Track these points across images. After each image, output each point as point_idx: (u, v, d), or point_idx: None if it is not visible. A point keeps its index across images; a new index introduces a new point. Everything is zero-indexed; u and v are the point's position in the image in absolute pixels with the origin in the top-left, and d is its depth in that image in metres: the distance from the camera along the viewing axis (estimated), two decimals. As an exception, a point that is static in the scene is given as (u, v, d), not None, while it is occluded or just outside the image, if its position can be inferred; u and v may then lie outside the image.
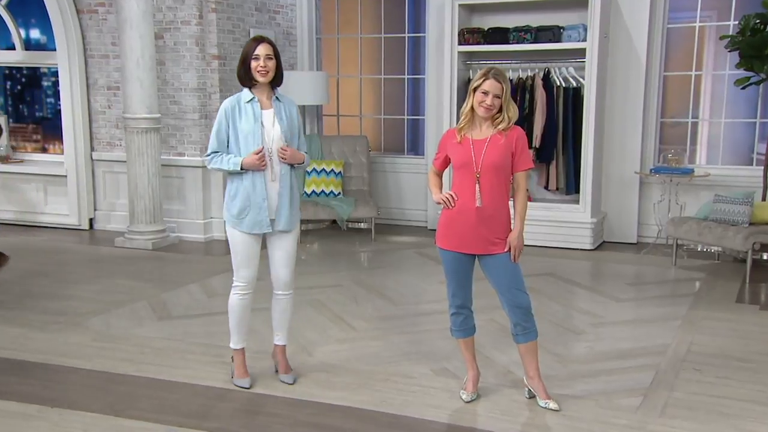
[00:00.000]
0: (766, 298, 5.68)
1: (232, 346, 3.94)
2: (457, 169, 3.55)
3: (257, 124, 3.67)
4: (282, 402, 3.73)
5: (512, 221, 3.59)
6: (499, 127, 3.48)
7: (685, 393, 3.78)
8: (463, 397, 3.70)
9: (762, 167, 6.69)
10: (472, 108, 3.50)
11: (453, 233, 3.56)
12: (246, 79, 3.70)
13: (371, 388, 3.87)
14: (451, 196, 3.53)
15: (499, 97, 3.44)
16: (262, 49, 3.64)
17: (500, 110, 3.48)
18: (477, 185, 3.47)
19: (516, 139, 3.51)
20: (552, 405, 3.58)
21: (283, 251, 3.84)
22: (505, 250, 3.51)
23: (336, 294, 5.66)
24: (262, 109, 3.71)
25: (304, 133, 3.99)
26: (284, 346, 4.02)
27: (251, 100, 3.70)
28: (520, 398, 3.73)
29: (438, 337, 4.63)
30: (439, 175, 3.74)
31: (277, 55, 3.70)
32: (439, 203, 3.60)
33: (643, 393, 3.77)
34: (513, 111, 3.51)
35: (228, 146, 3.73)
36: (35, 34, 8.53)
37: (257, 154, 3.64)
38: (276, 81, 3.74)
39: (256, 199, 3.69)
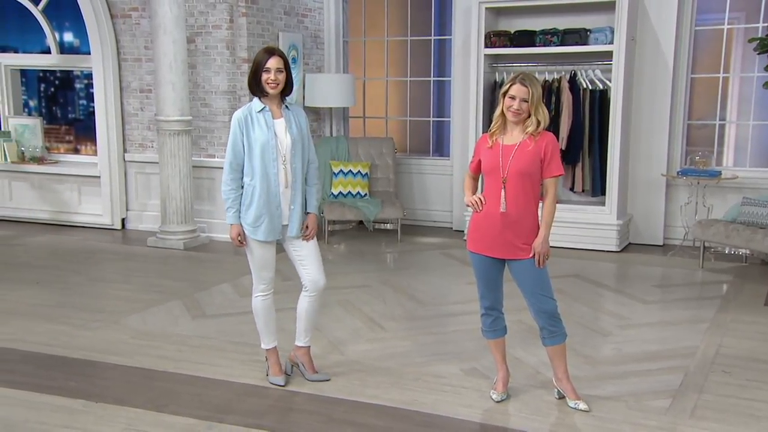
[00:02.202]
0: (795, 301, 5.70)
1: (263, 346, 4.06)
2: (486, 174, 3.61)
3: (270, 132, 3.72)
4: (316, 400, 3.83)
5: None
6: (528, 130, 3.50)
7: (715, 395, 3.82)
8: (494, 396, 3.77)
9: (791, 170, 6.68)
10: (502, 113, 3.55)
11: (481, 237, 3.62)
12: (257, 89, 3.74)
13: (403, 387, 3.96)
14: (480, 200, 3.60)
15: (526, 101, 3.47)
16: (273, 63, 3.66)
17: (530, 115, 3.51)
18: (502, 190, 3.52)
19: (546, 145, 3.52)
20: (582, 406, 3.63)
21: (309, 252, 3.91)
22: (530, 255, 3.54)
23: (364, 294, 5.75)
24: (273, 118, 3.76)
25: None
26: (309, 347, 4.10)
27: (262, 109, 3.74)
28: (549, 398, 3.79)
29: (466, 337, 4.70)
30: (475, 179, 3.79)
31: (287, 67, 3.73)
32: (468, 206, 3.67)
33: (672, 395, 3.82)
34: (543, 115, 3.52)
35: (244, 156, 3.77)
36: (68, 37, 8.71)
37: (237, 239, 3.83)
38: (285, 91, 3.79)
39: (271, 208, 3.75)
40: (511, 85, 3.50)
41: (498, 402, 3.75)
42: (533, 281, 3.58)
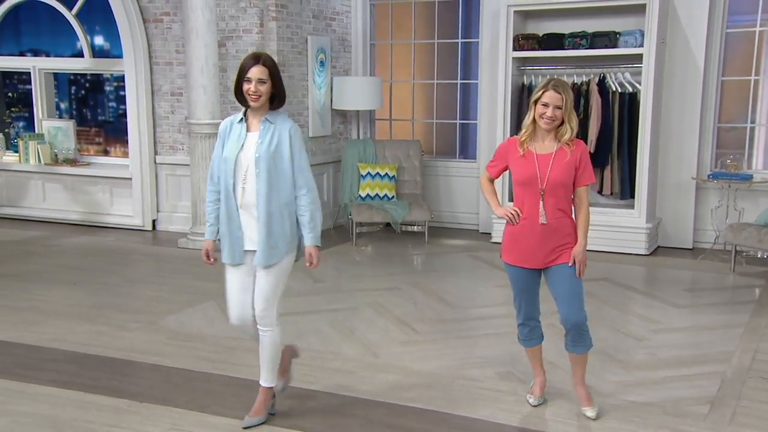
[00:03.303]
0: (828, 306, 5.66)
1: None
2: (521, 184, 3.53)
3: (237, 146, 3.38)
4: (356, 402, 3.86)
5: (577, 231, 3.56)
6: (564, 138, 3.44)
7: (754, 402, 3.82)
8: (531, 401, 3.80)
9: (822, 173, 6.64)
10: (534, 121, 3.48)
11: (518, 248, 3.56)
12: (241, 98, 3.41)
13: (440, 391, 3.99)
14: (516, 212, 3.52)
15: (560, 108, 3.40)
16: (255, 72, 3.31)
17: (563, 122, 3.44)
18: (542, 202, 3.46)
19: (581, 154, 3.48)
20: (589, 413, 3.62)
21: (258, 286, 3.45)
22: (570, 263, 3.51)
23: (394, 297, 5.79)
24: (248, 131, 3.41)
25: (308, 155, 3.50)
26: (266, 388, 3.60)
27: (241, 120, 3.43)
28: (587, 403, 3.81)
29: (498, 341, 4.73)
30: (492, 182, 3.72)
31: (274, 76, 3.36)
32: (502, 218, 3.59)
33: (710, 401, 3.82)
34: (575, 122, 3.47)
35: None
36: (99, 41, 8.84)
37: (204, 256, 3.53)
38: (276, 103, 3.42)
39: (232, 228, 3.41)
40: (543, 92, 3.42)
41: (535, 407, 3.77)
42: (569, 290, 3.53)
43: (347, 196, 7.92)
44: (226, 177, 3.39)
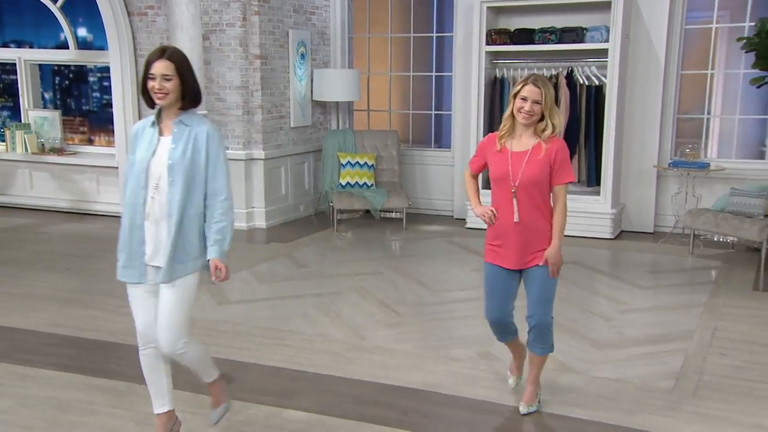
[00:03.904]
0: (780, 286, 5.84)
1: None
2: (494, 181, 3.36)
3: (149, 152, 2.91)
4: (345, 381, 3.91)
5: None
6: (545, 134, 3.25)
7: (714, 376, 3.94)
8: (510, 382, 3.81)
9: (773, 162, 6.82)
10: (512, 114, 3.30)
11: (498, 248, 3.40)
12: (147, 97, 2.93)
13: (424, 370, 4.06)
14: (492, 212, 3.32)
15: (539, 103, 3.22)
16: (158, 68, 2.85)
17: (543, 118, 3.27)
18: (515, 200, 3.28)
19: (556, 151, 3.26)
20: (522, 408, 3.52)
21: (161, 310, 3.02)
22: (542, 263, 3.32)
23: (376, 281, 5.83)
24: (162, 135, 2.93)
25: (223, 161, 2.97)
26: (212, 382, 3.30)
27: (153, 123, 2.94)
28: (566, 379, 3.90)
29: (477, 322, 4.75)
30: (475, 178, 3.57)
31: (182, 72, 2.88)
32: (479, 217, 3.38)
33: (675, 376, 3.94)
34: (558, 118, 3.28)
35: None
36: (82, 32, 8.70)
37: None
38: (186, 102, 2.92)
39: (133, 243, 2.96)
40: (523, 86, 3.24)
41: (514, 387, 3.82)
42: (538, 291, 3.35)
43: (328, 184, 7.94)
44: (134, 186, 2.92)
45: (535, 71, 7.42)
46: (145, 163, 2.91)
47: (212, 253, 2.98)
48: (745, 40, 6.66)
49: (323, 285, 5.74)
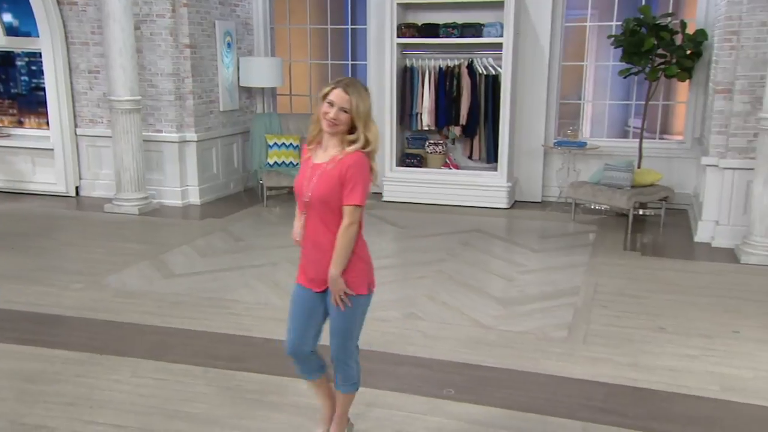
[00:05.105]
0: (644, 246, 6.29)
1: None
2: (295, 194, 2.70)
3: None
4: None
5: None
6: (352, 147, 2.54)
7: (599, 325, 4.26)
8: None
9: (638, 140, 7.31)
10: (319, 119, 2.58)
11: (300, 265, 2.76)
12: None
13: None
14: (297, 231, 2.73)
15: (346, 112, 2.51)
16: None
17: (355, 129, 2.55)
18: (304, 216, 2.65)
19: (348, 168, 2.52)
20: None
21: None
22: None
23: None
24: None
25: None
26: None
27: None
28: (476, 334, 4.12)
29: (398, 287, 4.95)
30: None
31: None
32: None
33: (567, 327, 4.23)
34: (373, 133, 2.56)
35: None
36: (7, 18, 8.11)
37: None
38: None
39: None
40: (332, 89, 2.53)
41: None
42: (335, 320, 2.70)
43: (257, 163, 7.86)
44: None
45: (441, 61, 7.59)
46: None
47: None
48: (613, 38, 7.07)
49: (260, 257, 5.72)
